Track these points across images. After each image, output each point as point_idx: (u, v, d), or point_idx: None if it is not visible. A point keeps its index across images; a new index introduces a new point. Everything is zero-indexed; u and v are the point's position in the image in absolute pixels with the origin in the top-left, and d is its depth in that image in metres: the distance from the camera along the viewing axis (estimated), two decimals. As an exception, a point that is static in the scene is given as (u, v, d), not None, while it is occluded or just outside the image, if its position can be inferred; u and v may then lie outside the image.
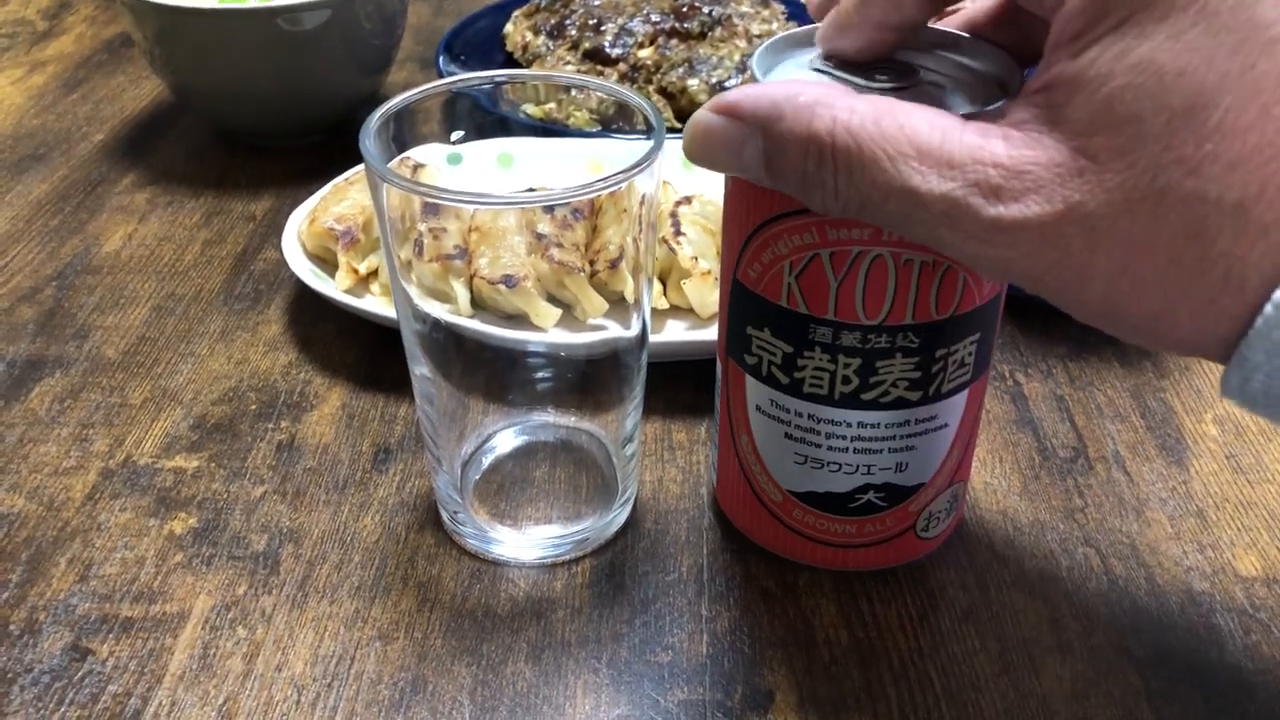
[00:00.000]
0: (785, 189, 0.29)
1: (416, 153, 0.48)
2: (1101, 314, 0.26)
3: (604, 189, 0.34)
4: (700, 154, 0.30)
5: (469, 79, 0.40)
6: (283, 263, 0.56)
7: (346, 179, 0.55)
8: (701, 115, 0.30)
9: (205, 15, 0.60)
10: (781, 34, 0.35)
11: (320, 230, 0.51)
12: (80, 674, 0.36)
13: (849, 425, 0.35)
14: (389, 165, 0.39)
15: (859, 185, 0.27)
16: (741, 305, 0.35)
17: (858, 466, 0.36)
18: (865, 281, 0.32)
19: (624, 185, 0.34)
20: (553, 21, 0.70)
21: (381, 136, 0.36)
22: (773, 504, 0.38)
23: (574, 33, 0.68)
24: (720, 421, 0.39)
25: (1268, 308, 0.24)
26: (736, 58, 0.66)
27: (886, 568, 0.39)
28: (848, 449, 0.35)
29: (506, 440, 0.43)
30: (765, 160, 0.29)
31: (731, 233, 0.35)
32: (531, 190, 0.53)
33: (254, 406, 0.47)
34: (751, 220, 0.34)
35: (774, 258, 0.33)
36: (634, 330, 0.39)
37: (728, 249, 0.36)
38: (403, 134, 0.39)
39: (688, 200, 0.53)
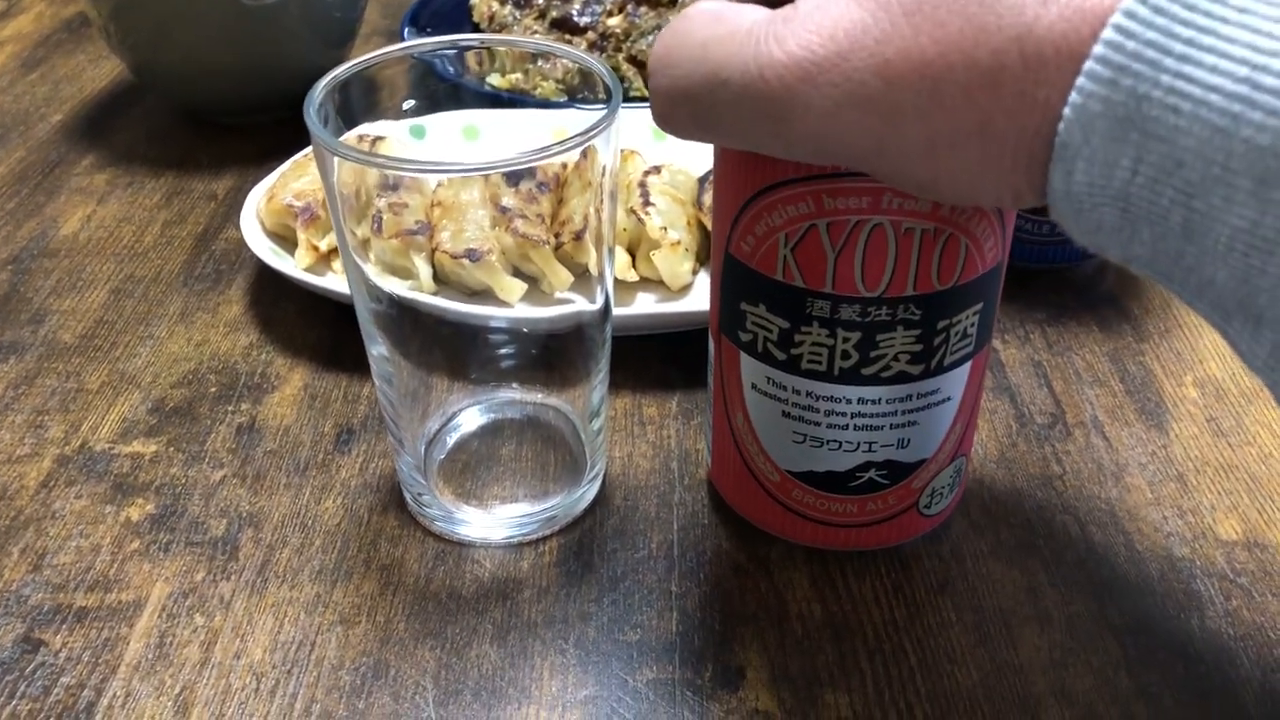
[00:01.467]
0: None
1: (377, 126, 0.47)
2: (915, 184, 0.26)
3: (561, 153, 0.33)
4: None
5: (429, 43, 0.38)
6: (244, 242, 0.55)
7: (306, 155, 0.54)
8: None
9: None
10: None
11: (279, 207, 0.50)
12: (32, 666, 0.35)
13: (849, 402, 0.34)
14: (346, 138, 0.38)
15: (673, 75, 0.27)
16: (735, 280, 0.34)
17: (858, 444, 0.35)
18: (864, 252, 0.31)
19: (582, 149, 0.33)
20: (519, -10, 0.68)
21: (327, 106, 0.35)
22: (771, 485, 0.37)
23: (541, 1, 0.67)
24: (714, 401, 0.38)
25: (1081, 80, 0.21)
26: (707, 24, 0.64)
27: (890, 546, 0.38)
28: (848, 426, 0.34)
29: (471, 418, 0.42)
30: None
31: (723, 205, 0.33)
32: (496, 163, 0.52)
33: (214, 389, 0.46)
34: (744, 191, 0.32)
35: (768, 230, 0.32)
36: (598, 303, 0.38)
37: (719, 222, 0.34)
38: (353, 105, 0.38)
39: (657, 170, 0.52)
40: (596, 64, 0.36)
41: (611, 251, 0.37)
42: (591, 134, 0.33)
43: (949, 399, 0.34)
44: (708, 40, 0.27)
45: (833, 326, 0.32)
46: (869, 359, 0.33)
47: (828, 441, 0.35)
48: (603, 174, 0.35)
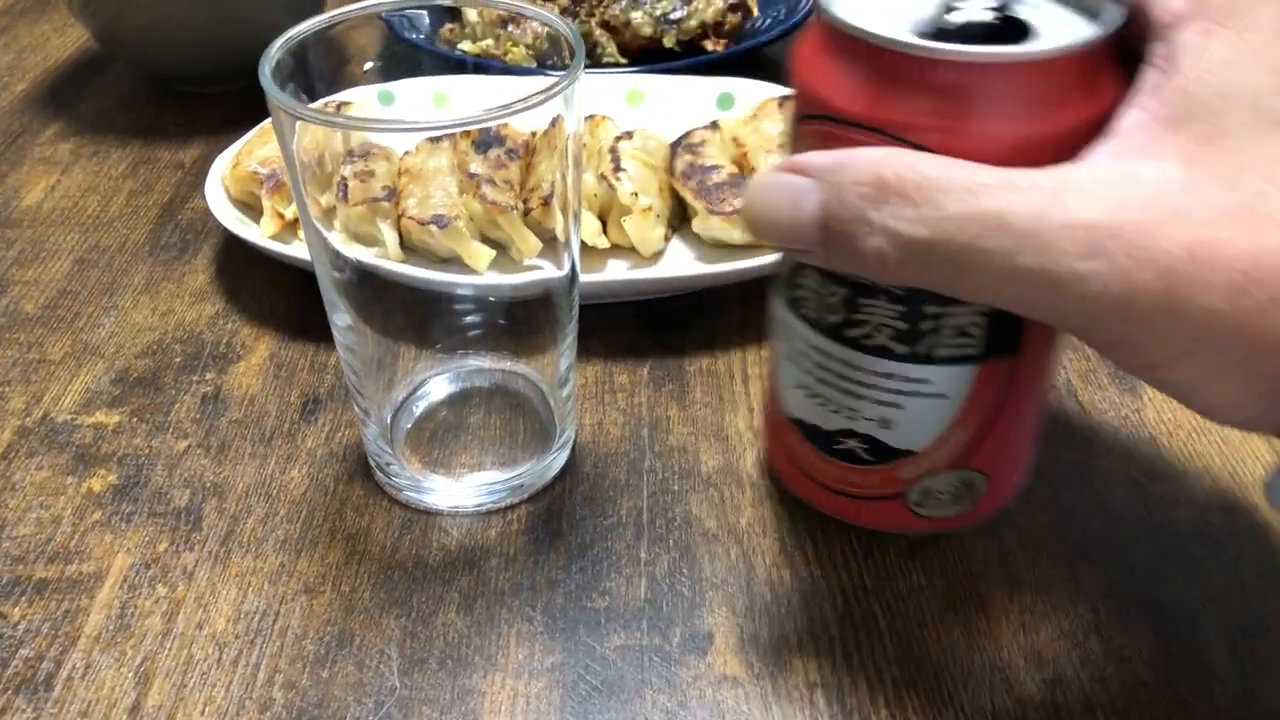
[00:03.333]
0: (840, 252, 0.27)
1: (347, 93, 0.46)
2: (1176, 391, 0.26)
3: (521, 110, 0.32)
4: (758, 208, 0.28)
5: (385, 4, 0.38)
6: (210, 211, 0.54)
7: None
8: (762, 173, 0.28)
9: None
10: None
11: (244, 175, 0.49)
12: (-9, 639, 0.34)
13: (833, 359, 0.33)
14: (315, 107, 0.37)
15: (926, 216, 0.25)
16: None
17: (841, 407, 0.34)
18: None
19: (551, 118, 0.32)
20: (491, -44, 0.67)
21: (286, 68, 0.34)
22: (777, 423, 0.37)
23: (513, -33, 0.66)
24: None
25: None
26: (681, -11, 0.64)
27: (877, 530, 0.37)
28: (830, 383, 0.34)
29: (439, 387, 0.42)
30: (822, 213, 0.27)
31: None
32: (465, 130, 0.51)
33: (178, 359, 0.45)
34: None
35: None
36: (565, 269, 0.37)
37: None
38: (310, 69, 0.37)
39: (628, 135, 0.52)
40: (561, 23, 0.36)
41: (578, 217, 0.37)
42: (553, 91, 0.32)
43: (944, 396, 0.33)
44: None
45: (824, 274, 0.32)
46: (852, 321, 0.32)
47: (816, 394, 0.34)
48: (567, 138, 0.35)
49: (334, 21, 0.36)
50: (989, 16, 0.29)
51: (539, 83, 0.32)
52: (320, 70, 0.37)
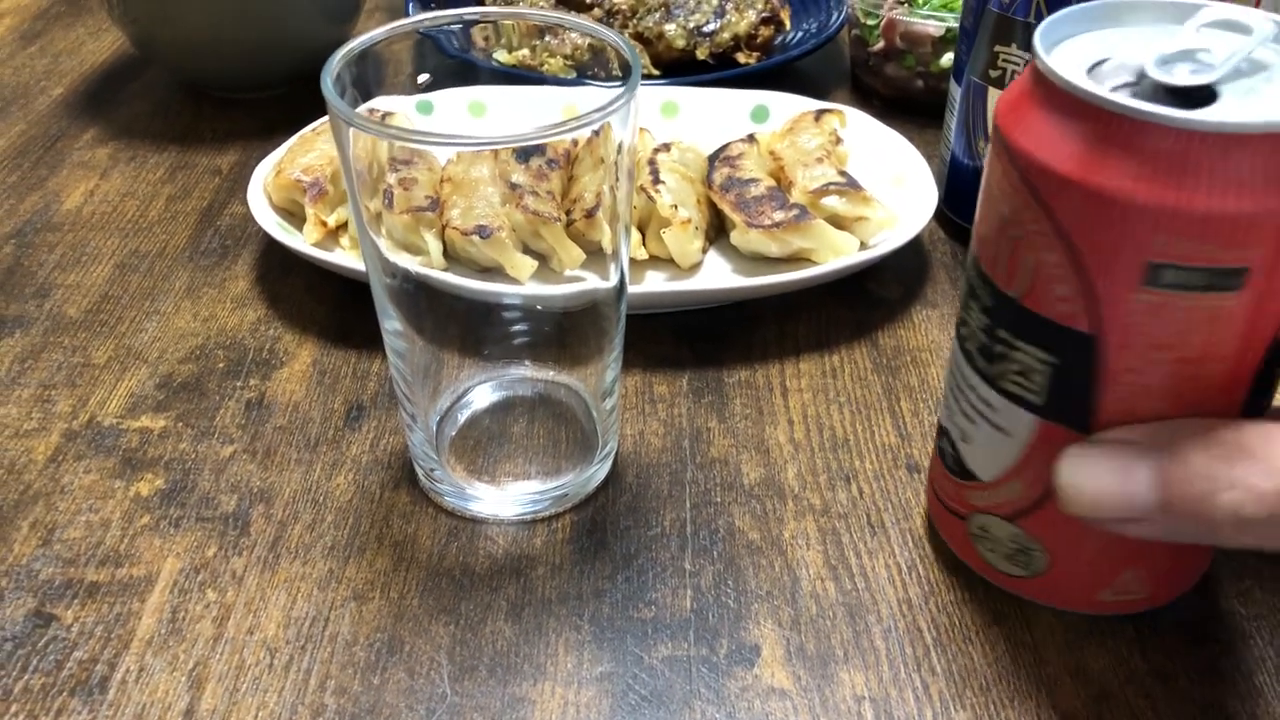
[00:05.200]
0: (1186, 516, 0.27)
1: (384, 102, 0.46)
2: None
3: (578, 128, 0.33)
4: (1082, 481, 0.28)
5: (436, 18, 0.38)
6: (250, 217, 0.54)
7: (314, 129, 0.53)
8: (1075, 448, 0.29)
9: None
10: (1072, 8, 0.31)
11: (287, 182, 0.49)
12: (44, 640, 0.35)
13: (954, 354, 0.34)
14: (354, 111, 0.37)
15: (1277, 467, 0.25)
16: (1274, 366, 0.30)
17: (949, 403, 0.35)
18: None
19: (598, 126, 0.32)
20: (525, -34, 0.68)
21: (344, 79, 0.35)
22: None
23: (547, -22, 0.66)
24: None
25: None
26: (715, 1, 0.64)
27: (954, 555, 0.37)
28: (950, 377, 0.35)
29: (483, 395, 0.42)
30: (1160, 478, 0.27)
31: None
32: (505, 139, 0.52)
33: (222, 364, 0.46)
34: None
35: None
36: (612, 281, 0.38)
37: (1273, 316, 0.28)
38: (367, 79, 0.37)
39: (666, 147, 0.52)
40: (613, 36, 0.36)
41: (628, 230, 0.37)
42: (611, 109, 0.32)
43: (1007, 434, 0.32)
44: None
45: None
46: (962, 319, 0.33)
47: (948, 382, 0.35)
48: (618, 151, 0.35)
49: (387, 36, 0.36)
50: (1208, 75, 0.27)
51: (578, 93, 0.32)
52: (371, 79, 0.37)
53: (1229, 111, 0.26)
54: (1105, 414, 0.30)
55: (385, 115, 0.44)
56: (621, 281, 0.38)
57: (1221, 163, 0.26)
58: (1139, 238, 0.27)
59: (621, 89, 0.33)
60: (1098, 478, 0.28)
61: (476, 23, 0.40)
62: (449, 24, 0.39)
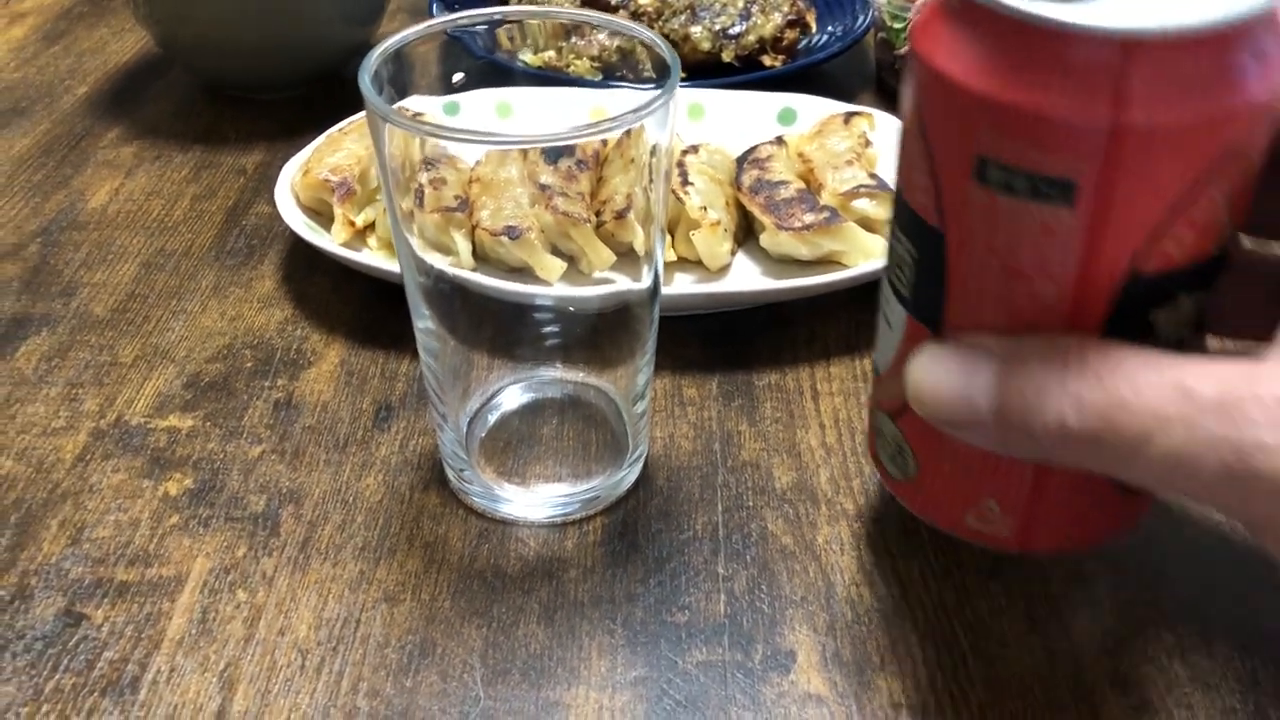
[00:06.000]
0: (1015, 424, 0.26)
1: (412, 103, 0.46)
2: None
3: (615, 128, 0.32)
4: (926, 380, 0.28)
5: (468, 17, 0.38)
6: (276, 217, 0.54)
7: (341, 129, 0.53)
8: (928, 347, 0.28)
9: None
10: None
11: (315, 182, 0.49)
12: (75, 640, 0.35)
13: None
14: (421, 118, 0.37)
15: (1108, 384, 0.25)
16: (1141, 301, 0.27)
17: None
18: None
19: (633, 128, 0.32)
20: (549, -32, 0.68)
21: (381, 76, 0.34)
22: None
23: (572, -21, 0.66)
24: None
25: None
26: (740, 4, 0.64)
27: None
28: None
29: (513, 396, 0.42)
30: (996, 384, 0.26)
31: (1128, 218, 0.26)
32: (533, 140, 0.51)
33: (249, 364, 0.46)
34: (1187, 175, 0.25)
35: (1214, 201, 0.26)
36: (645, 283, 0.37)
37: (1122, 243, 0.26)
38: (400, 79, 0.37)
39: (694, 149, 0.52)
40: (648, 34, 0.36)
41: (663, 232, 0.37)
42: (650, 108, 0.32)
43: (891, 328, 0.31)
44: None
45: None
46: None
47: None
48: (651, 153, 0.35)
49: (420, 36, 0.36)
50: None
51: (605, 95, 0.32)
52: (403, 80, 0.37)
53: (1076, 10, 0.24)
54: (952, 318, 0.29)
55: (415, 116, 0.44)
56: (655, 284, 0.37)
57: (1052, 62, 0.24)
58: (970, 128, 0.26)
59: (658, 91, 0.33)
60: (941, 377, 0.28)
61: (508, 22, 0.40)
62: (480, 23, 0.38)
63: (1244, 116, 0.25)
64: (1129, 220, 0.25)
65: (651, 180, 0.49)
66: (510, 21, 0.40)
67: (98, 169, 0.59)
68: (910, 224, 0.29)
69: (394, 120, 0.32)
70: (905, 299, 0.30)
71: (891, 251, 0.31)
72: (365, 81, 0.33)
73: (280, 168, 0.58)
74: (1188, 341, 0.28)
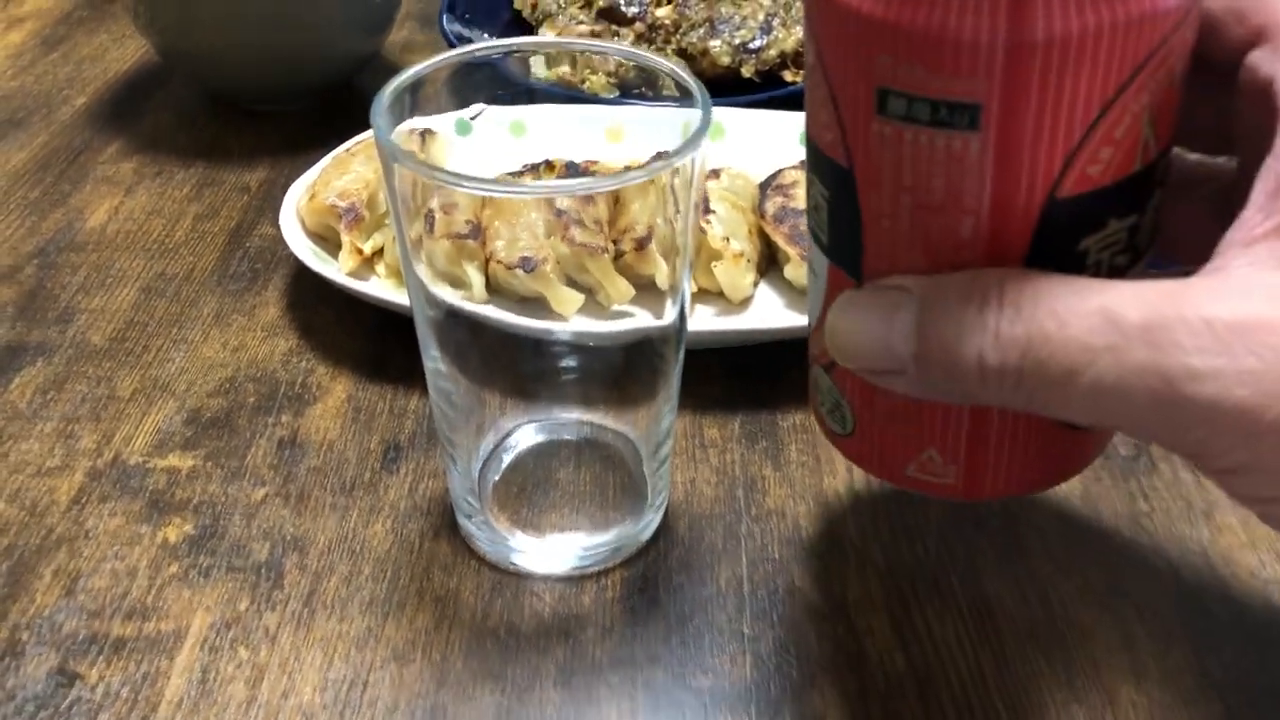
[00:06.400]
0: (935, 365, 0.25)
1: (423, 121, 0.44)
2: None
3: (645, 177, 0.31)
4: (843, 325, 0.26)
5: (487, 48, 0.36)
6: (279, 240, 0.52)
7: (348, 150, 0.51)
8: (847, 294, 0.27)
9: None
10: None
11: (321, 207, 0.47)
12: (67, 702, 0.33)
13: None
14: (398, 132, 0.35)
15: (1028, 315, 0.23)
16: (1066, 226, 0.25)
17: None
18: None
19: (675, 166, 0.30)
20: (563, -23, 0.66)
21: (394, 111, 0.33)
22: None
23: (586, -11, 0.64)
24: None
25: None
26: (760, 17, 0.62)
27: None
28: None
29: (527, 438, 0.40)
30: (915, 326, 0.25)
31: (1042, 143, 0.24)
32: (548, 163, 0.50)
33: (252, 399, 0.44)
34: (1103, 92, 0.24)
35: (1133, 118, 0.24)
36: (668, 320, 0.36)
37: (1037, 167, 0.24)
38: (414, 104, 0.35)
39: (715, 174, 0.50)
40: (675, 69, 0.34)
41: (690, 266, 0.35)
42: (684, 152, 0.30)
43: (816, 276, 0.29)
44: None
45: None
46: None
47: None
48: (674, 174, 0.33)
49: (435, 67, 0.34)
50: None
51: (622, 113, 0.30)
52: (418, 105, 0.35)
53: None
54: (870, 261, 0.27)
55: (425, 134, 0.42)
56: (680, 322, 0.35)
57: None
58: (867, 57, 0.24)
59: (692, 116, 0.31)
60: (859, 324, 0.26)
61: (529, 53, 0.38)
62: (496, 54, 0.37)
63: (1158, 20, 0.23)
64: (1041, 141, 0.24)
65: (678, 209, 0.47)
66: (536, 52, 0.38)
67: (97, 185, 0.57)
68: (820, 165, 0.27)
69: (410, 166, 0.30)
70: (824, 245, 0.28)
71: (809, 194, 0.29)
72: (378, 122, 0.31)
73: (284, 185, 0.56)
74: (1124, 271, 0.26)
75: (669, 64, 0.34)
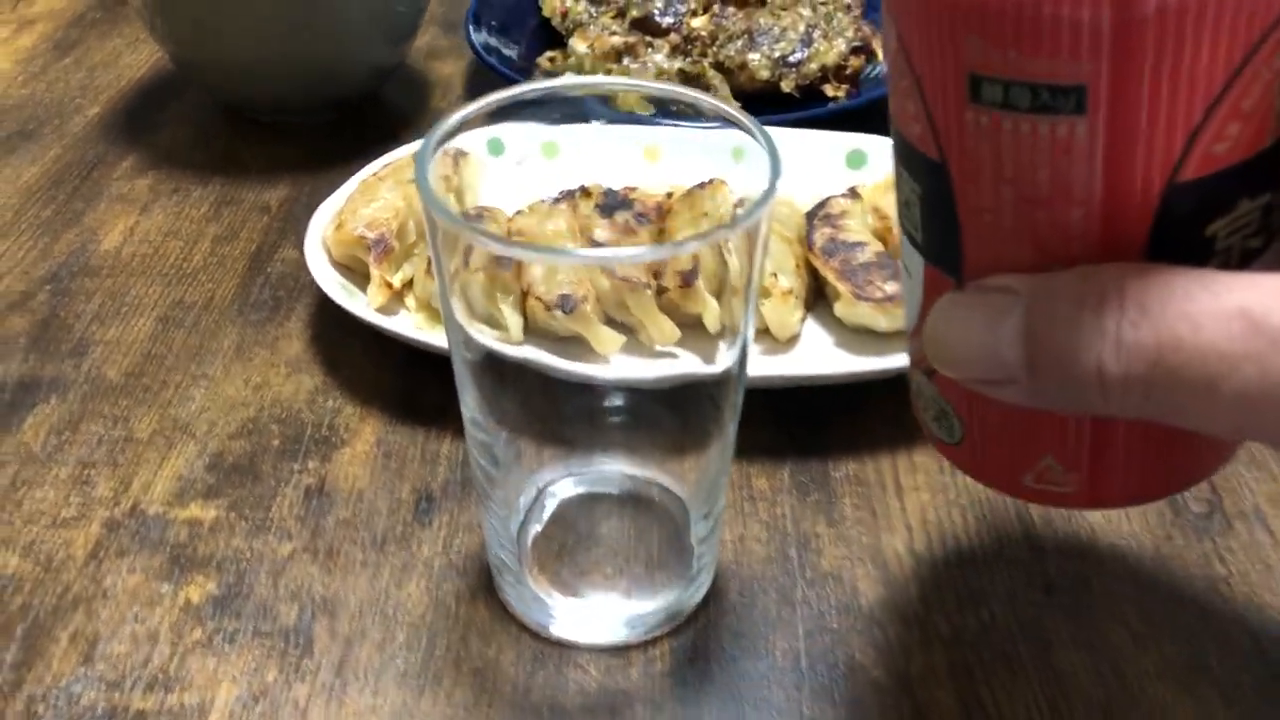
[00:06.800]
0: (1049, 375, 0.22)
1: (455, 141, 0.42)
2: None
3: (705, 243, 0.28)
4: (944, 334, 0.24)
5: (532, 91, 0.34)
6: (301, 264, 0.50)
7: (375, 174, 0.49)
8: (948, 296, 0.24)
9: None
10: None
11: (350, 238, 0.45)
12: (87, 785, 0.31)
13: None
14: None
15: (1154, 318, 0.21)
16: (1191, 212, 0.23)
17: None
18: None
19: (746, 228, 0.28)
20: (594, -16, 0.63)
21: (440, 166, 0.30)
22: None
23: (619, -2, 0.62)
24: None
25: None
26: (801, 28, 0.59)
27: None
28: None
29: (568, 491, 0.38)
30: (1025, 331, 0.22)
31: (1167, 118, 0.22)
32: (584, 189, 0.47)
33: (277, 441, 0.42)
34: (1229, 61, 0.21)
35: (1265, 86, 0.22)
36: (719, 366, 0.33)
37: (1154, 150, 0.22)
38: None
39: (743, 204, 0.47)
40: (748, 121, 0.31)
41: (754, 309, 0.32)
42: (754, 212, 0.28)
43: (911, 277, 0.27)
44: None
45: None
46: None
47: None
48: (739, 205, 0.30)
49: (477, 111, 0.32)
50: None
51: (660, 133, 0.28)
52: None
53: None
54: (971, 260, 0.25)
55: (458, 155, 0.40)
56: (738, 369, 0.33)
57: None
58: (954, 40, 0.22)
59: (761, 161, 0.29)
60: (964, 329, 0.24)
61: (595, 94, 0.36)
62: (543, 97, 0.34)
63: None
64: (1157, 122, 0.21)
65: (748, 246, 0.44)
66: (585, 93, 0.36)
67: (111, 204, 0.55)
68: (909, 159, 0.25)
69: (470, 237, 0.28)
70: (918, 243, 0.26)
71: (899, 189, 0.26)
72: (426, 187, 0.28)
73: (306, 204, 0.54)
74: (1259, 254, 0.24)
75: (735, 111, 0.32)
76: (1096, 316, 0.21)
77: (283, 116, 0.61)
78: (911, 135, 0.25)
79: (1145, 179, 0.22)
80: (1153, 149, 0.22)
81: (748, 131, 0.31)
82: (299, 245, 0.51)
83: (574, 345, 0.42)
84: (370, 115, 0.62)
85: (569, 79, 0.35)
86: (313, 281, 0.49)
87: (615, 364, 0.41)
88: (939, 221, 0.25)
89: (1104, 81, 0.21)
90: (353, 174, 0.50)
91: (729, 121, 0.32)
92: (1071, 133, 0.22)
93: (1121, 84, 0.21)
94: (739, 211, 0.45)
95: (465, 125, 0.32)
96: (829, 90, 0.59)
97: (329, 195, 0.49)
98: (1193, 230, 0.23)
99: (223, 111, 0.62)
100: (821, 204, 0.47)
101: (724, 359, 0.33)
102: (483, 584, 0.37)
